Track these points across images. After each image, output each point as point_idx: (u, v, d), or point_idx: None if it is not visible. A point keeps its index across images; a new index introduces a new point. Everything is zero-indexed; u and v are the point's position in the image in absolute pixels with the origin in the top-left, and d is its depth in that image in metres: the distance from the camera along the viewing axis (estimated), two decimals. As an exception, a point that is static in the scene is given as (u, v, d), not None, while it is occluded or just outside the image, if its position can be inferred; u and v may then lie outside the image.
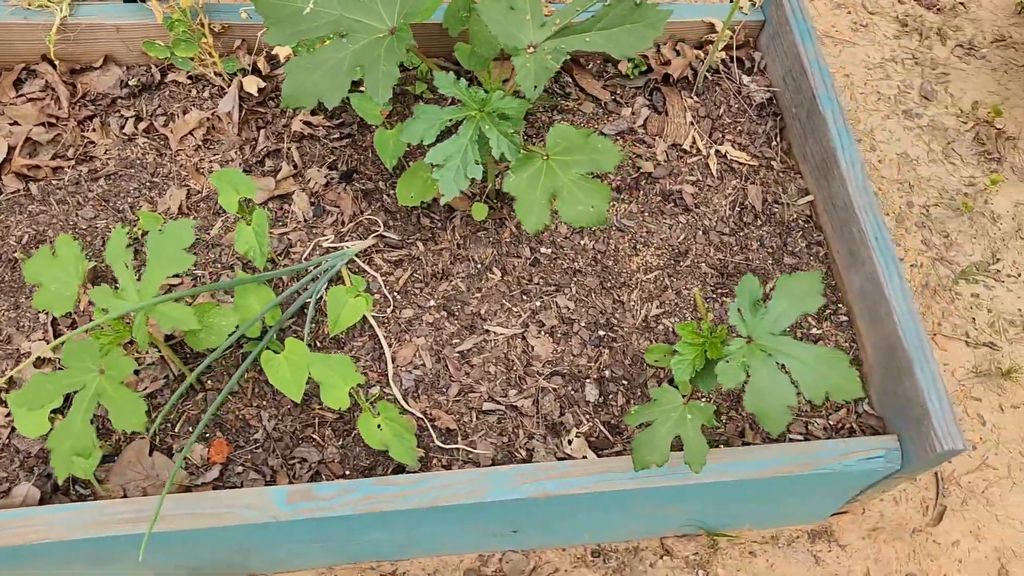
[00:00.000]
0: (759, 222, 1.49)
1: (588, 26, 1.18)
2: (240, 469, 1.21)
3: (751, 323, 1.11)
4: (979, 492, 1.55)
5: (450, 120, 1.21)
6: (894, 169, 1.92)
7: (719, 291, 1.41)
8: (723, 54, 1.64)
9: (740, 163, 1.54)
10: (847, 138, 1.41)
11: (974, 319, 1.73)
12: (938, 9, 2.24)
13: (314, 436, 1.25)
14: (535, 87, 1.15)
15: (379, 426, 1.13)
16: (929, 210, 1.87)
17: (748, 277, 1.12)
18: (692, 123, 1.57)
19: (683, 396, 1.13)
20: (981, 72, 2.11)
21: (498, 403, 1.29)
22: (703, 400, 1.31)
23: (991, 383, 1.66)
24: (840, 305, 1.41)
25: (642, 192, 1.50)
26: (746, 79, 1.63)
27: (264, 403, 1.26)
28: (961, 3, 2.25)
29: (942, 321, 1.73)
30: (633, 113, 1.58)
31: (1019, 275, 1.79)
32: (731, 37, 1.64)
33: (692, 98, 1.60)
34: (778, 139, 1.57)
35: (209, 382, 1.27)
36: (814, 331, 1.39)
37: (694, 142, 1.56)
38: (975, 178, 1.92)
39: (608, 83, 1.62)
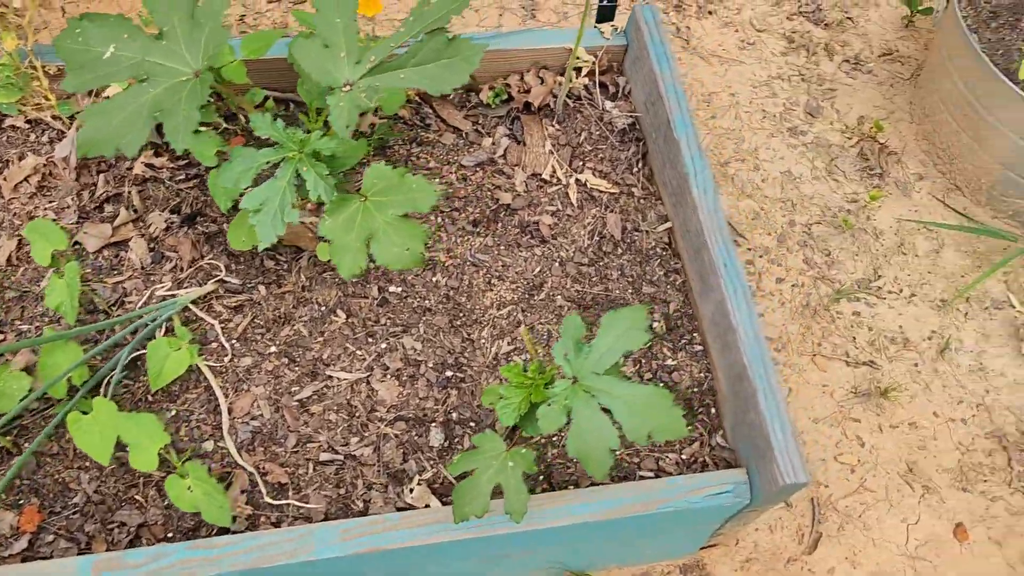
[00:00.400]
0: (619, 251, 1.46)
1: (403, 62, 1.15)
2: (51, 538, 1.14)
3: (575, 363, 1.07)
4: (856, 516, 1.52)
5: (267, 162, 1.17)
6: (777, 188, 1.91)
7: (575, 324, 1.38)
8: (587, 80, 1.62)
9: (600, 191, 1.51)
10: (700, 163, 1.39)
11: (855, 338, 1.71)
12: (826, 24, 2.24)
13: (137, 498, 1.19)
14: (347, 126, 1.11)
15: (189, 488, 1.08)
16: (811, 228, 1.85)
17: (570, 316, 1.08)
18: (552, 151, 1.54)
19: (506, 442, 1.08)
20: (868, 87, 2.11)
21: (337, 452, 1.24)
22: (531, 445, 1.27)
23: (870, 403, 1.64)
24: (695, 334, 1.38)
25: (500, 224, 1.47)
26: (609, 104, 1.60)
27: (86, 464, 1.20)
28: (849, 18, 2.25)
29: (822, 341, 1.71)
30: (494, 143, 1.55)
31: (900, 291, 1.78)
32: (594, 62, 1.61)
33: (553, 126, 1.57)
34: (640, 165, 1.55)
35: (27, 445, 1.20)
36: (669, 361, 1.35)
37: (554, 171, 1.53)
38: (858, 194, 1.91)
39: (470, 113, 1.59)
